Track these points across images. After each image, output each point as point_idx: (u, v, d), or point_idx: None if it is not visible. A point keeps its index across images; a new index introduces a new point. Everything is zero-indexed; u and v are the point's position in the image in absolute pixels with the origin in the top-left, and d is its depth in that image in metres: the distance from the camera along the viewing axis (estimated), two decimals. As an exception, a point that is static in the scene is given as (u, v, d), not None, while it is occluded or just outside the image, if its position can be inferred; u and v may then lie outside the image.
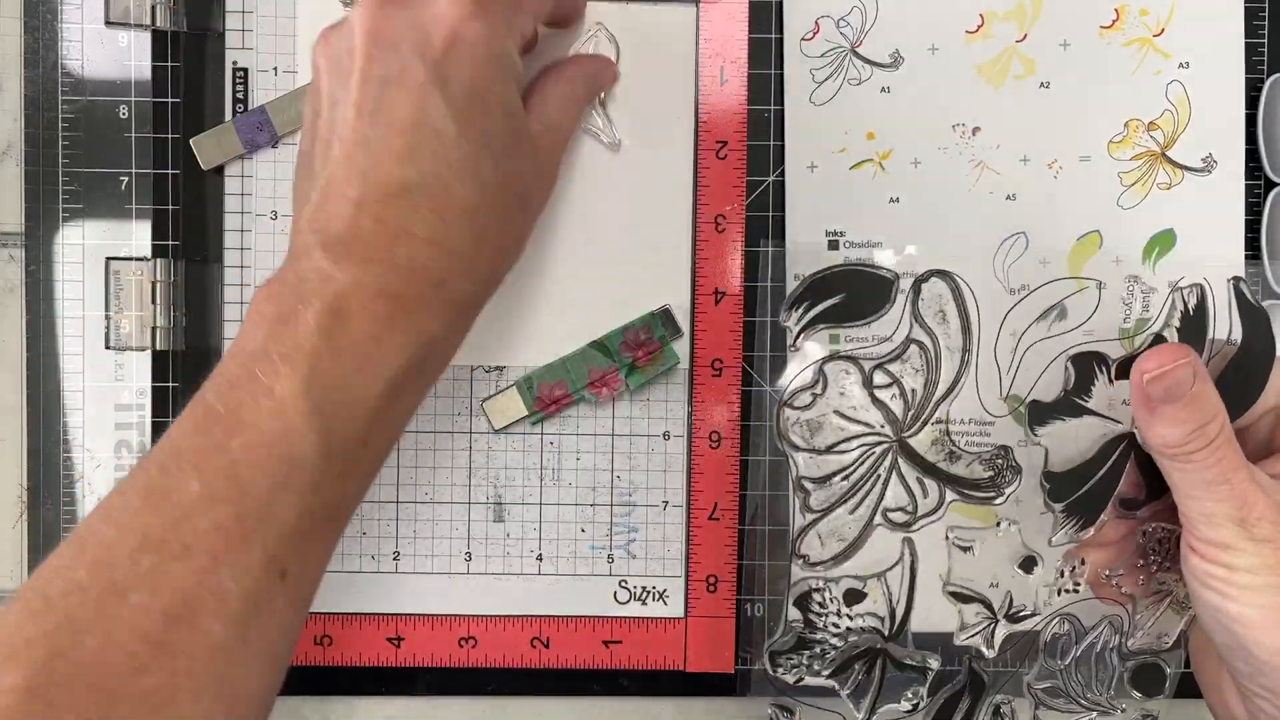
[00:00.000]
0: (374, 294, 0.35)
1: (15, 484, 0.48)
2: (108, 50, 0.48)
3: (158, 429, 0.48)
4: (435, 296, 0.37)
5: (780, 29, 0.48)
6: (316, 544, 0.35)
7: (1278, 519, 0.37)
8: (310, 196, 0.37)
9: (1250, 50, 0.48)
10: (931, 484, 0.40)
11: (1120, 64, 0.48)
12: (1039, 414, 0.41)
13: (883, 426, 0.40)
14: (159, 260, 0.48)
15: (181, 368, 0.48)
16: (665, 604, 0.48)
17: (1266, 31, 0.48)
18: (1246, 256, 0.48)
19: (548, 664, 0.48)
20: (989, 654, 0.42)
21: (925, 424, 0.40)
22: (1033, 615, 0.42)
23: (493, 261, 0.40)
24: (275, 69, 0.47)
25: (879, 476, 0.40)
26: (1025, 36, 0.48)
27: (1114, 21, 0.48)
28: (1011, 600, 0.42)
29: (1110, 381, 0.40)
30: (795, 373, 0.40)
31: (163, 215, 0.48)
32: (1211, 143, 0.48)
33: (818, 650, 0.41)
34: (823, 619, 0.41)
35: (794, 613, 0.41)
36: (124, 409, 0.48)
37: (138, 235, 0.48)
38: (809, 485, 0.40)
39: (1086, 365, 0.41)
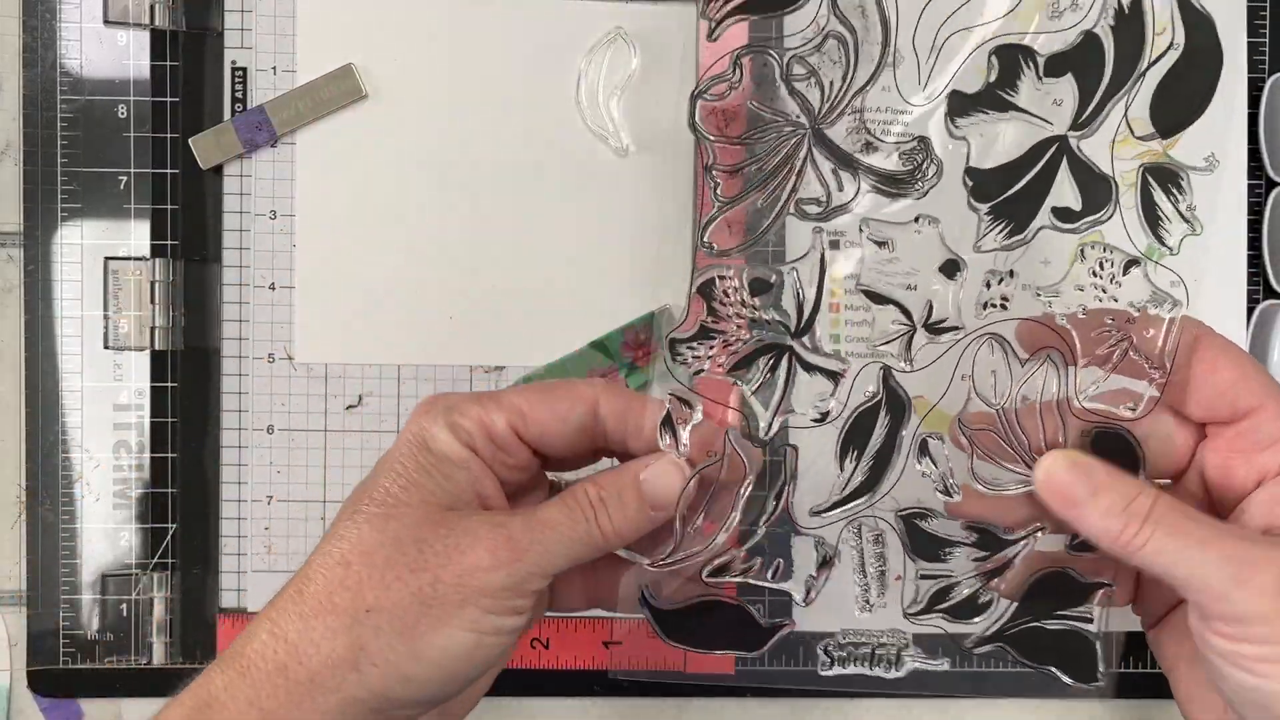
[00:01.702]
0: None
1: (14, 484, 0.48)
2: (106, 49, 0.47)
3: (156, 429, 0.48)
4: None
5: (780, 29, 0.48)
6: None
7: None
8: None
9: (1252, 49, 0.48)
10: (847, 176, 0.38)
11: (1121, 63, 0.48)
12: (960, 105, 0.38)
13: (798, 116, 0.38)
14: (158, 260, 0.47)
15: (180, 368, 0.48)
16: (665, 604, 0.48)
17: (1268, 31, 0.48)
18: (1248, 256, 0.48)
19: (547, 664, 0.48)
20: (904, 367, 0.38)
21: (841, 113, 0.38)
22: (954, 329, 0.38)
23: None
24: (274, 68, 0.47)
25: (791, 165, 0.38)
26: (1025, 36, 0.47)
27: (1115, 20, 0.48)
28: (931, 309, 0.38)
29: (1039, 78, 0.38)
30: (711, 63, 0.38)
31: (161, 215, 0.48)
32: (1213, 142, 0.48)
33: (720, 341, 0.38)
34: (726, 308, 0.38)
35: (698, 305, 0.38)
36: (122, 409, 0.48)
37: (136, 235, 0.48)
38: (718, 173, 0.38)
39: (1012, 58, 0.37)
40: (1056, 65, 0.38)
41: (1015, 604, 0.40)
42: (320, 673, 0.32)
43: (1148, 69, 0.37)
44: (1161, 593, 0.39)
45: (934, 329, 0.39)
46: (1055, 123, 0.38)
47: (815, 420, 0.39)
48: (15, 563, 0.48)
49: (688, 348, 0.38)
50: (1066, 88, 0.38)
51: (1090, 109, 0.38)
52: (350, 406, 0.48)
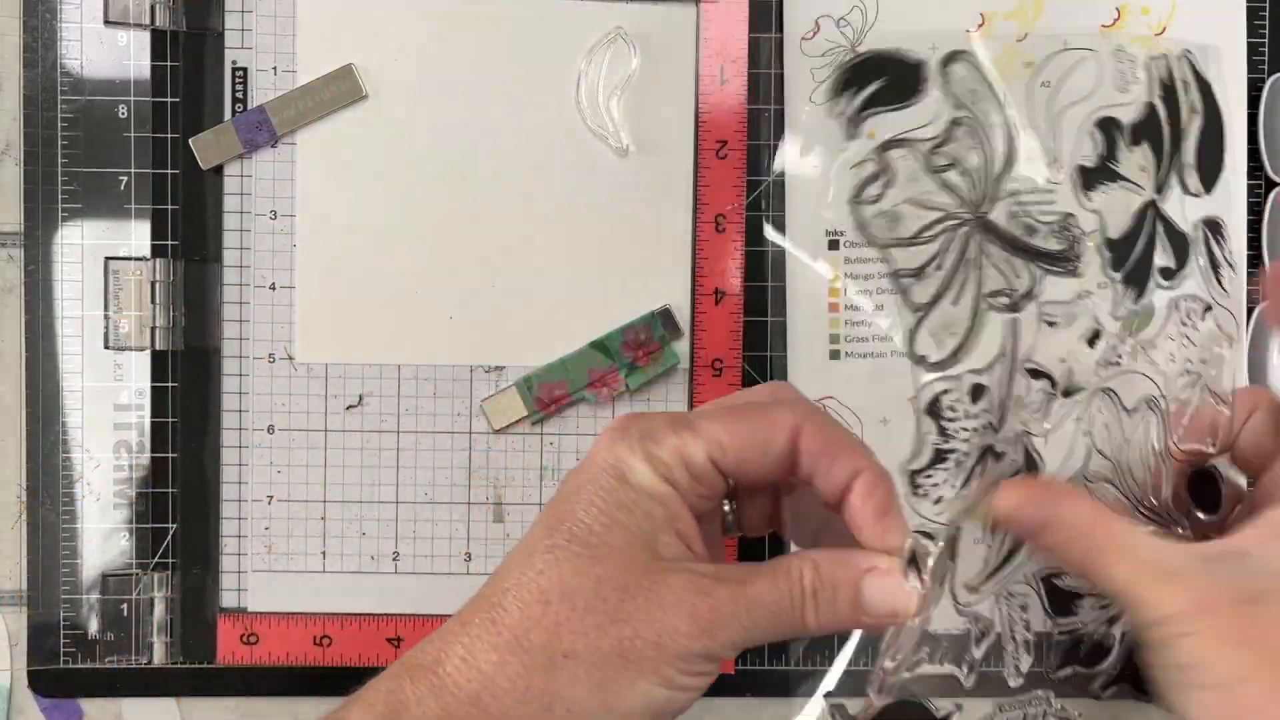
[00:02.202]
0: None
1: (14, 484, 0.48)
2: (107, 50, 0.47)
3: (157, 429, 0.48)
4: None
5: (780, 29, 0.48)
6: None
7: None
8: None
9: (1251, 50, 0.48)
10: (1019, 263, 0.38)
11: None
12: (1087, 179, 0.39)
13: (959, 207, 0.38)
14: (158, 260, 0.47)
15: (180, 368, 0.48)
16: (665, 604, 0.48)
17: (1268, 30, 0.48)
18: (1248, 256, 0.48)
19: (547, 664, 0.48)
20: (1042, 429, 0.39)
21: (997, 199, 0.39)
22: (1080, 390, 0.39)
23: None
24: (275, 69, 0.47)
25: (969, 260, 0.39)
26: (1026, 36, 0.48)
27: (1115, 20, 0.48)
28: (1072, 376, 0.39)
29: (1128, 147, 0.39)
30: (853, 161, 0.38)
31: (162, 215, 0.48)
32: (1213, 142, 0.48)
33: (951, 462, 0.38)
34: (954, 423, 0.38)
35: (927, 426, 0.38)
36: (123, 409, 0.48)
37: (137, 235, 0.48)
38: (906, 280, 0.38)
39: (1108, 130, 0.39)
40: (1137, 134, 0.40)
41: (1128, 643, 0.41)
42: (513, 710, 0.31)
43: (1183, 132, 0.40)
44: None
45: (1070, 394, 0.40)
46: (1145, 188, 0.40)
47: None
48: (15, 563, 0.48)
49: (924, 477, 0.38)
50: (1146, 154, 0.40)
51: (1163, 172, 0.39)
52: (350, 406, 0.48)
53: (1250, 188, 0.48)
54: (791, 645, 0.48)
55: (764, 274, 0.48)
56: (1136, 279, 0.40)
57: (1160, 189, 0.39)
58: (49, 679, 0.48)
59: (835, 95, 0.38)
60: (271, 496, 0.48)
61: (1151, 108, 0.40)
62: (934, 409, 0.38)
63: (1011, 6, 0.47)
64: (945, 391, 0.38)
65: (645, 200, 0.48)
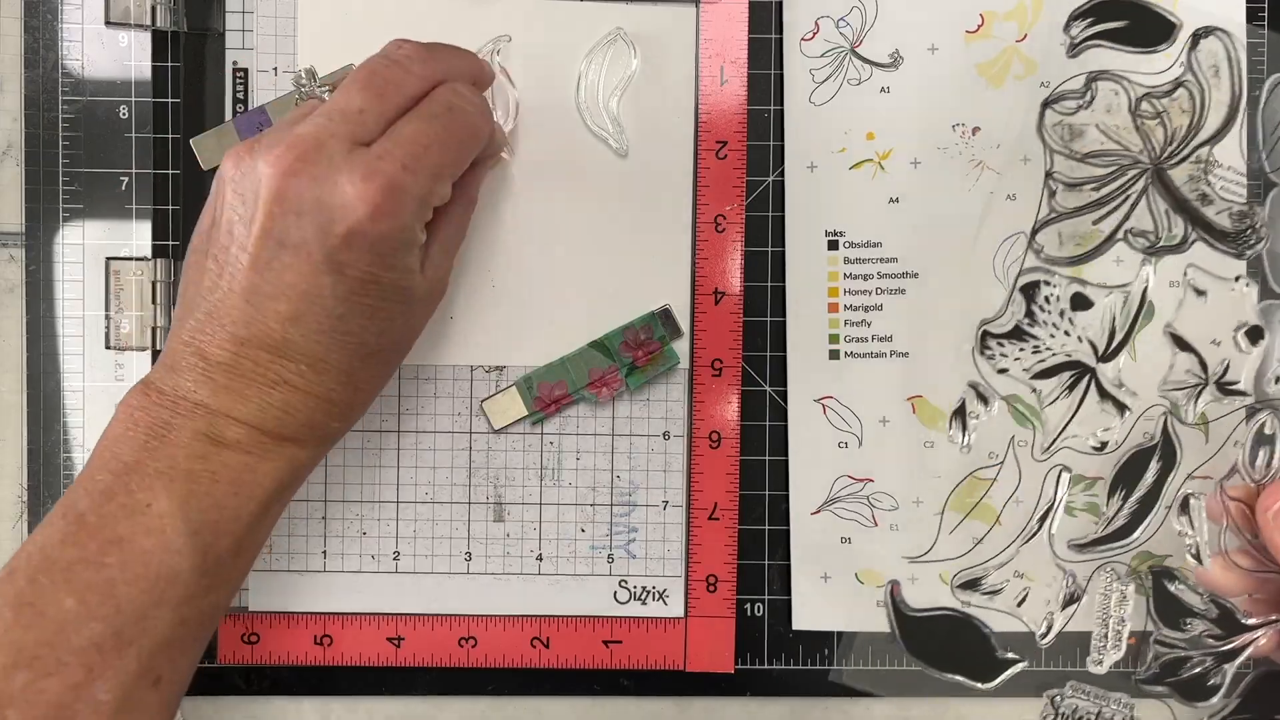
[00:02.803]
0: (249, 426, 0.37)
1: (15, 484, 0.48)
2: (108, 50, 0.48)
3: (158, 429, 0.48)
4: (308, 434, 0.39)
5: (780, 29, 0.48)
6: (189, 650, 0.37)
7: None
8: (194, 312, 0.38)
9: (1251, 49, 0.48)
10: (1179, 220, 0.38)
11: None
12: None
13: (1141, 153, 0.38)
14: (159, 260, 0.48)
15: (181, 368, 0.48)
16: (665, 604, 0.48)
17: (1266, 31, 0.48)
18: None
19: (548, 664, 0.48)
20: (1187, 419, 0.39)
21: (1185, 160, 0.39)
22: (1243, 394, 0.39)
23: (365, 404, 0.42)
24: (275, 69, 0.47)
25: (1128, 196, 0.39)
26: (1025, 36, 0.48)
27: (1115, 21, 0.48)
28: (1228, 369, 0.39)
29: None
30: (1066, 76, 0.38)
31: (163, 215, 0.48)
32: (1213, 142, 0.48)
33: (1030, 346, 0.39)
34: (1046, 314, 0.39)
35: (1018, 301, 0.39)
36: (124, 409, 0.48)
37: (138, 235, 0.48)
38: (1057, 184, 0.38)
39: None
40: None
41: (1239, 699, 0.40)
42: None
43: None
44: None
45: (1224, 388, 0.39)
46: None
47: (1095, 448, 0.39)
48: (16, 562, 0.48)
49: (998, 343, 0.39)
50: None
51: None
52: (351, 406, 0.48)
53: (1250, 188, 0.48)
54: (791, 645, 0.48)
55: (764, 274, 0.48)
56: None
57: None
58: (50, 678, 0.48)
59: (1075, 19, 0.38)
60: (272, 496, 0.48)
61: None
62: (1029, 290, 0.38)
63: (1011, 7, 0.48)
64: (1045, 282, 0.38)
65: (645, 200, 0.48)
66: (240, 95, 0.48)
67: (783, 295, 0.48)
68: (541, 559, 0.48)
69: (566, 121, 0.47)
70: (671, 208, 0.48)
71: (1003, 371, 0.39)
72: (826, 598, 0.48)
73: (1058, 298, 0.39)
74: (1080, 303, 0.39)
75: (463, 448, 0.48)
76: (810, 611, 0.48)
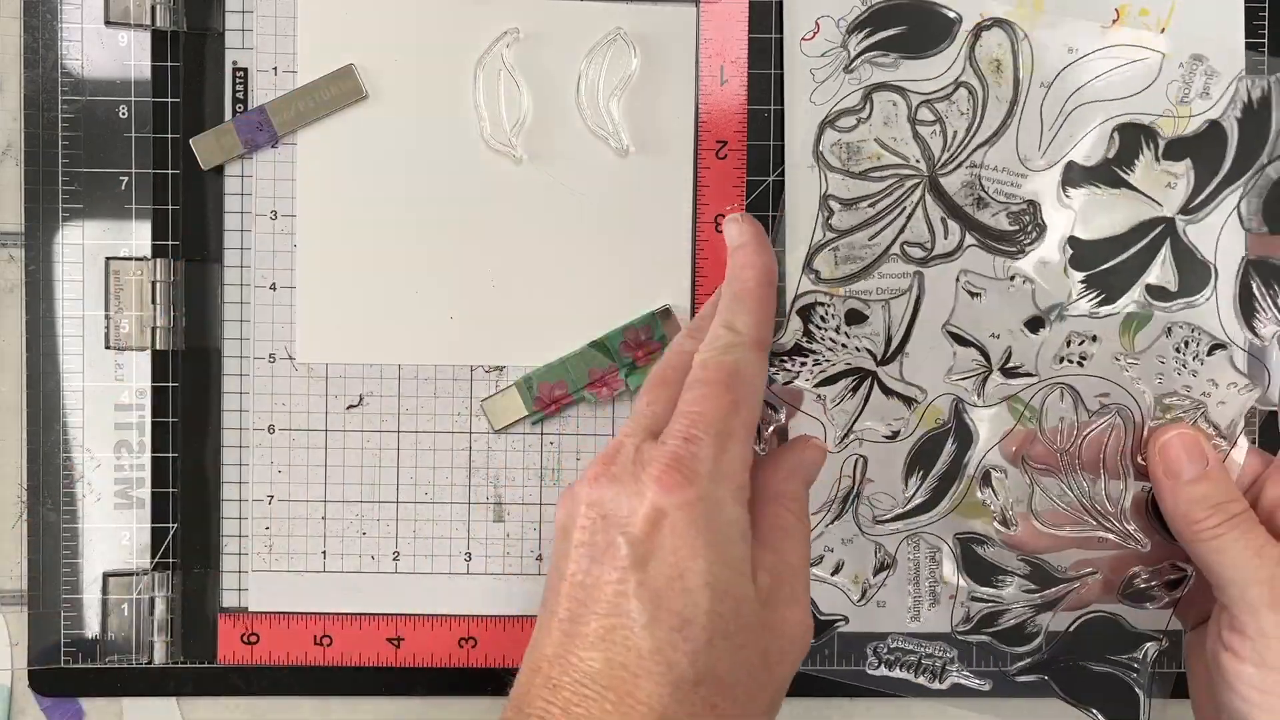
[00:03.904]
0: None
1: (15, 484, 0.48)
2: (107, 50, 0.47)
3: (157, 429, 0.48)
4: None
5: (780, 29, 0.48)
6: None
7: None
8: (540, 635, 0.36)
9: (1251, 50, 0.48)
10: (954, 225, 0.39)
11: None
12: (1075, 176, 0.39)
13: (918, 161, 0.39)
14: (159, 260, 0.47)
15: (181, 368, 0.48)
16: (665, 604, 0.48)
17: (1267, 31, 0.48)
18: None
19: (548, 664, 0.48)
20: (976, 401, 0.40)
21: (960, 165, 0.39)
22: (1028, 375, 0.40)
23: None
24: (275, 69, 0.47)
25: (904, 209, 0.39)
26: (1026, 36, 0.48)
27: (1115, 21, 0.48)
28: (1010, 355, 0.40)
29: (1157, 160, 0.39)
30: (845, 94, 0.39)
31: (162, 215, 0.48)
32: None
33: (811, 361, 0.41)
34: (822, 332, 0.40)
35: (795, 323, 0.41)
36: (124, 409, 0.48)
37: (137, 235, 0.48)
38: (835, 205, 0.39)
39: (1134, 137, 0.39)
40: (1177, 150, 0.39)
41: (1060, 640, 0.42)
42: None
43: (1268, 164, 0.39)
44: (1206, 600, 0.41)
45: (1009, 373, 0.41)
46: (1165, 205, 0.39)
47: (887, 437, 0.41)
48: (16, 563, 0.48)
49: (781, 360, 0.41)
50: (1182, 172, 0.39)
51: (1203, 196, 0.39)
52: (351, 406, 0.48)
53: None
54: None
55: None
56: (1107, 285, 0.40)
57: (1191, 211, 0.39)
58: (49, 679, 0.48)
59: (852, 32, 0.39)
60: (272, 496, 0.48)
61: (1216, 126, 0.39)
62: (805, 312, 0.40)
63: (1011, 7, 0.47)
64: (820, 303, 0.40)
65: (645, 200, 0.48)
66: (240, 95, 0.48)
67: (782, 295, 0.48)
68: (541, 559, 0.48)
69: (566, 121, 0.47)
70: (671, 208, 0.48)
71: (788, 384, 0.41)
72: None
73: (833, 315, 0.40)
74: (855, 317, 0.40)
75: (463, 448, 0.48)
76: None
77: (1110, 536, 0.41)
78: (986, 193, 0.39)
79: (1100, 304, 0.40)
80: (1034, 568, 0.42)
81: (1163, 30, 0.48)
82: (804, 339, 0.40)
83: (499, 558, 0.48)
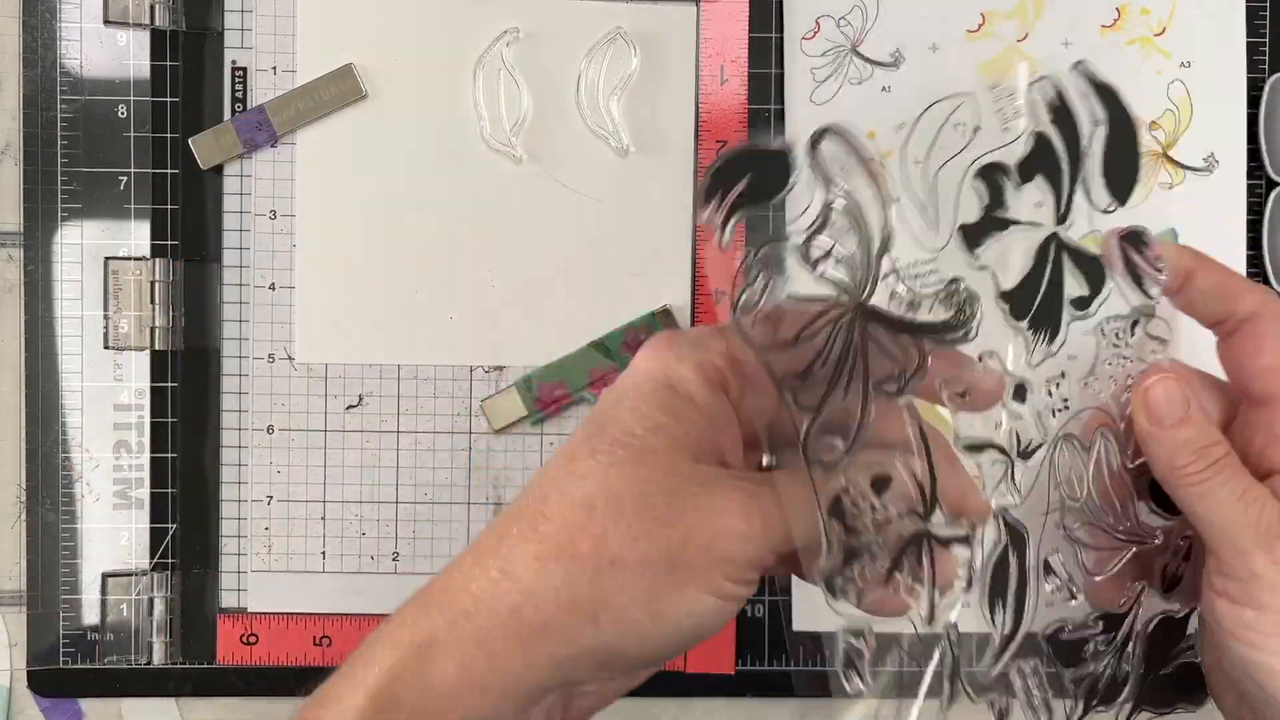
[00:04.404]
0: None
1: (14, 484, 0.48)
2: (106, 49, 0.47)
3: (156, 429, 0.48)
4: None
5: (780, 28, 0.48)
6: None
7: None
8: None
9: (1251, 50, 0.48)
10: (906, 340, 0.38)
11: (1121, 63, 0.48)
12: (972, 236, 0.38)
13: (840, 297, 0.37)
14: (158, 260, 0.47)
15: (180, 368, 0.48)
16: (665, 604, 0.48)
17: (1268, 31, 0.48)
18: (1248, 256, 0.48)
19: (547, 664, 0.48)
20: (1015, 500, 0.39)
21: (878, 280, 0.37)
22: (1040, 446, 0.39)
23: None
24: (274, 68, 0.47)
25: (854, 349, 0.38)
26: (1026, 36, 0.48)
27: (1115, 21, 0.48)
28: (1019, 437, 0.39)
29: (1017, 188, 0.39)
30: (740, 264, 0.37)
31: (161, 215, 0.48)
32: (1213, 142, 0.48)
33: (866, 557, 0.36)
34: (860, 519, 0.36)
35: (833, 530, 0.36)
36: (123, 409, 0.48)
37: (136, 235, 0.48)
38: (792, 384, 0.37)
39: (992, 177, 0.38)
40: (1026, 170, 0.39)
41: (1144, 665, 0.42)
42: (556, 620, 0.30)
43: (1088, 146, 0.39)
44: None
45: (1027, 455, 0.40)
46: (1044, 222, 0.39)
47: (965, 587, 0.39)
48: (15, 563, 0.48)
49: (843, 578, 0.36)
50: (1040, 188, 0.39)
51: (1064, 201, 0.39)
52: (350, 406, 0.48)
53: (1250, 187, 0.48)
54: (790, 646, 0.48)
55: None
56: (1047, 320, 0.39)
57: (1064, 218, 0.39)
58: (49, 679, 0.48)
59: (705, 203, 0.36)
60: (271, 496, 0.48)
61: (1041, 137, 0.39)
62: (836, 509, 0.36)
63: (1011, 6, 0.47)
64: (845, 490, 0.36)
65: (645, 200, 0.48)
66: (239, 94, 0.47)
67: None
68: (541, 559, 0.48)
69: (566, 121, 0.47)
70: (671, 208, 0.48)
71: (859, 595, 0.38)
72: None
73: (862, 495, 0.36)
74: (880, 485, 0.37)
75: (463, 448, 0.48)
76: (810, 611, 0.48)
77: (1135, 546, 0.41)
78: (913, 292, 0.38)
79: (1050, 340, 0.39)
80: (1103, 618, 0.41)
81: (1163, 31, 0.48)
82: (850, 538, 0.36)
83: (499, 558, 0.48)
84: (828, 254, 0.36)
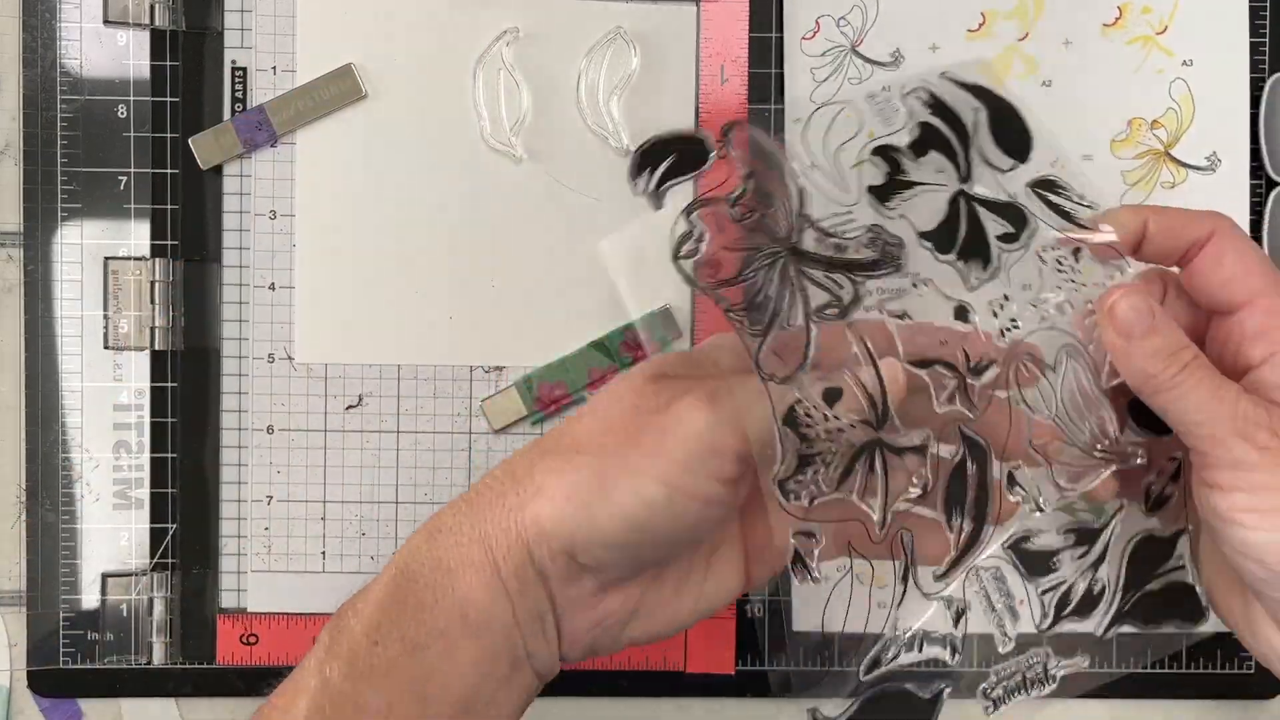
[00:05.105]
0: None
1: (14, 484, 0.48)
2: (106, 49, 0.47)
3: (156, 429, 0.48)
4: None
5: (780, 28, 0.48)
6: None
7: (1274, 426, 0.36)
8: None
9: (1253, 49, 0.48)
10: (840, 277, 0.40)
11: (1123, 62, 0.48)
12: (879, 194, 0.41)
13: (769, 245, 0.40)
14: (157, 260, 0.47)
15: (180, 368, 0.48)
16: (665, 605, 0.48)
17: (1269, 29, 0.48)
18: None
19: (547, 665, 0.48)
20: (973, 415, 0.41)
21: (803, 230, 0.40)
22: (993, 363, 0.41)
23: None
24: (274, 68, 0.47)
25: (792, 284, 0.40)
26: (1027, 35, 0.47)
27: (1116, 19, 0.48)
28: (968, 355, 0.41)
29: (915, 161, 0.41)
30: (671, 227, 0.40)
31: (161, 215, 0.48)
32: (1215, 141, 0.48)
33: (819, 464, 0.39)
34: (813, 429, 0.39)
35: (788, 438, 0.39)
36: (122, 409, 0.48)
37: (136, 235, 0.48)
38: (736, 317, 0.40)
39: (888, 155, 0.41)
40: (919, 148, 0.41)
41: (1123, 580, 0.43)
42: (537, 506, 0.35)
43: (974, 129, 0.41)
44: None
45: (978, 371, 0.41)
46: (949, 183, 0.41)
47: (918, 497, 0.41)
48: (15, 563, 0.48)
49: (795, 482, 0.39)
50: (938, 159, 0.41)
51: (963, 166, 0.41)
52: (350, 406, 0.48)
53: (1251, 187, 0.48)
54: (790, 647, 0.48)
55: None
56: (976, 252, 0.41)
57: (966, 179, 0.41)
58: (49, 679, 0.48)
59: (634, 177, 0.41)
60: (271, 496, 0.48)
61: (926, 125, 0.41)
62: (790, 419, 0.39)
63: (1011, 6, 0.47)
64: (798, 401, 0.39)
65: (645, 200, 0.47)
66: (239, 94, 0.47)
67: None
68: (541, 559, 0.48)
69: (566, 120, 0.47)
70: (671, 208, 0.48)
71: (813, 500, 0.41)
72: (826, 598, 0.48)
73: (815, 406, 0.40)
74: (834, 395, 0.40)
75: (463, 448, 0.48)
76: (810, 611, 0.48)
77: (1116, 464, 0.42)
78: (839, 236, 0.41)
79: (984, 268, 0.41)
80: (1075, 531, 0.43)
81: (1164, 30, 0.48)
82: (803, 446, 0.39)
83: (499, 558, 0.48)
84: (753, 212, 0.39)
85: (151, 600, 0.48)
